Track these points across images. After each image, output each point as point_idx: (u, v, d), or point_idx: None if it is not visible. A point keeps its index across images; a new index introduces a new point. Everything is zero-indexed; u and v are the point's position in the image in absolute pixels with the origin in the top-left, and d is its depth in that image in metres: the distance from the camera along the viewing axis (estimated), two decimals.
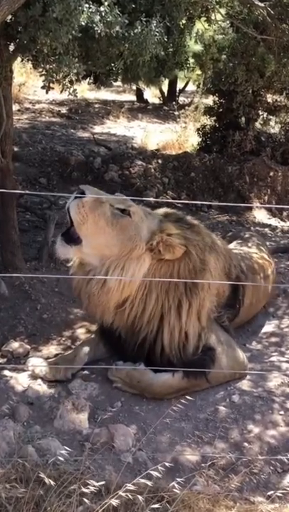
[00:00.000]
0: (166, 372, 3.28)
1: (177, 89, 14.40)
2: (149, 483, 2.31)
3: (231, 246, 4.42)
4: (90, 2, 3.52)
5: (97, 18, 3.50)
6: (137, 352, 3.40)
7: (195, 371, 3.25)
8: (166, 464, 2.56)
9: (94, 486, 2.23)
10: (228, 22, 7.03)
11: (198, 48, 7.68)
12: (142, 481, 2.31)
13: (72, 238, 3.15)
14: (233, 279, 3.76)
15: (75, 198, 3.11)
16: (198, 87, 9.04)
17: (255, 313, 4.34)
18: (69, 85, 3.82)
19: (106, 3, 3.55)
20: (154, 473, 2.36)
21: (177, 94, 14.32)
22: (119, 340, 3.47)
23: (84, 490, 2.21)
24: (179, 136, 9.44)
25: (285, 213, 7.90)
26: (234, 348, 3.54)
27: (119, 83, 12.22)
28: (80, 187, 3.17)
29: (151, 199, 6.76)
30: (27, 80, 12.55)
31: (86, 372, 3.49)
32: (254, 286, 4.05)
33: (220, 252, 3.59)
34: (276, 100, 8.47)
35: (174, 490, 2.37)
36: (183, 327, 3.31)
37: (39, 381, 3.35)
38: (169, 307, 3.28)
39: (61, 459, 2.42)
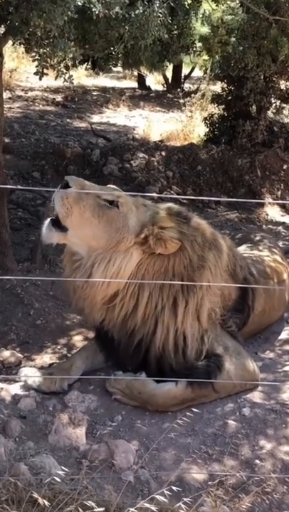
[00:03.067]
0: (169, 382, 3.27)
1: (182, 75, 14.44)
2: (152, 505, 2.31)
3: (241, 249, 4.41)
4: None
5: None
6: (133, 357, 3.40)
7: (200, 380, 3.24)
8: (171, 483, 2.55)
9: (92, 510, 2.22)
10: (237, 1, 7.03)
11: (205, 30, 7.67)
12: (145, 502, 2.30)
13: (60, 224, 3.24)
14: (240, 281, 3.75)
15: (60, 189, 3.21)
16: (205, 72, 9.02)
17: (269, 322, 4.32)
18: (64, 71, 3.83)
19: None
20: (158, 495, 2.35)
21: (182, 80, 14.35)
22: (114, 345, 3.47)
23: None
24: (184, 126, 9.44)
25: None
26: (243, 356, 3.53)
27: (119, 69, 12.29)
28: (65, 178, 3.25)
29: (154, 194, 6.77)
30: (19, 66, 12.60)
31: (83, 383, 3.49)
32: (267, 293, 4.05)
33: (222, 250, 3.59)
34: None
35: (180, 511, 2.36)
36: (179, 327, 3.33)
37: (32, 393, 3.35)
38: (163, 305, 3.30)
39: (57, 479, 2.42)
